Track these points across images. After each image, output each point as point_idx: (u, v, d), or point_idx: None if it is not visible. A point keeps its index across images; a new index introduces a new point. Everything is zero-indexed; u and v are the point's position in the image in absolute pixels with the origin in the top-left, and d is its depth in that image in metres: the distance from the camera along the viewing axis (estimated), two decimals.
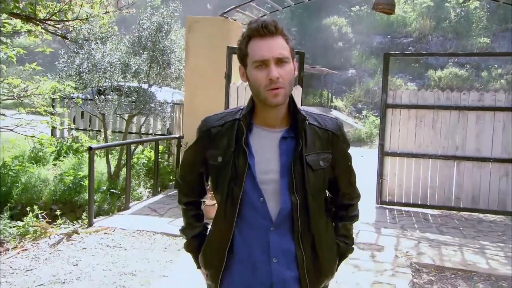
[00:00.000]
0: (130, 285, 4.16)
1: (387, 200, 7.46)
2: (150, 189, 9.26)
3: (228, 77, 7.18)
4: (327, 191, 1.81)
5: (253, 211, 1.64)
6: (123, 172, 9.70)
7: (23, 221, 5.66)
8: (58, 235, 5.20)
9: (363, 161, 13.98)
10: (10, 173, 9.12)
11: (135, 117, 10.84)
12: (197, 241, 1.87)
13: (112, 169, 9.48)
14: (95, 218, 6.15)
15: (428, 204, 7.29)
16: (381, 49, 26.41)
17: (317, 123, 1.69)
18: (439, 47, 25.74)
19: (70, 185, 8.95)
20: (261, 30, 1.55)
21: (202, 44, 7.87)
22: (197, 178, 1.85)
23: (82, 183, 9.01)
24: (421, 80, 23.85)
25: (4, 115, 5.95)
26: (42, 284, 4.08)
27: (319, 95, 23.22)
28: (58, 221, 5.88)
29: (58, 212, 6.11)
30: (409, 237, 5.85)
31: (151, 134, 11.67)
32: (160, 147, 10.64)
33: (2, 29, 5.25)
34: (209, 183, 1.84)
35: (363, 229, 6.15)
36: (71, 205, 8.81)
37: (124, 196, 8.83)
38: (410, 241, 5.67)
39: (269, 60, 1.54)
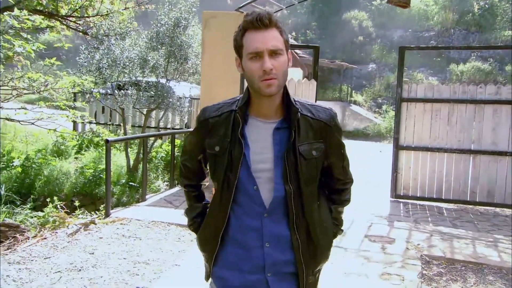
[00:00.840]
0: (143, 273, 4.29)
1: (401, 194, 7.46)
2: (167, 182, 9.41)
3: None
4: (322, 176, 1.86)
5: (247, 198, 1.71)
6: (142, 165, 9.90)
7: (44, 212, 5.86)
8: (76, 225, 5.37)
9: (381, 156, 13.99)
10: (34, 166, 9.37)
11: (154, 112, 11.03)
12: (198, 221, 1.95)
13: (131, 162, 9.68)
14: (112, 209, 6.33)
15: (443, 198, 7.26)
16: (401, 43, 26.14)
17: (310, 114, 1.73)
18: (462, 40, 25.34)
19: (90, 178, 9.17)
20: (255, 22, 1.60)
21: (218, 38, 7.95)
22: (196, 164, 1.94)
23: (101, 176, 9.22)
24: (442, 74, 23.55)
25: (25, 108, 6.13)
26: (59, 271, 4.23)
27: (339, 90, 23.11)
28: (77, 211, 6.05)
29: (77, 203, 6.27)
30: (421, 230, 5.86)
31: (169, 128, 11.84)
32: (178, 141, 10.79)
33: (23, 25, 5.41)
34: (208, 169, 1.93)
35: (375, 222, 6.18)
36: (91, 197, 9.03)
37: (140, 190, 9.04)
38: (422, 234, 5.68)
39: (263, 51, 1.59)
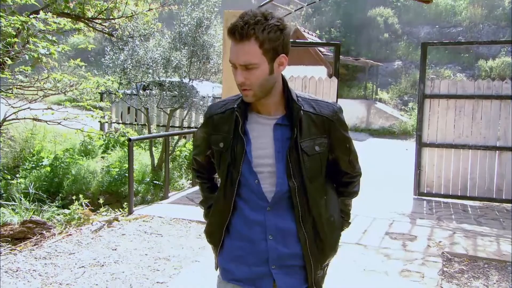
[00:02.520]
0: (164, 268, 4.37)
1: (425, 192, 7.37)
2: (191, 181, 9.52)
3: None
4: (328, 170, 1.87)
5: (250, 192, 1.75)
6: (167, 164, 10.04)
7: (70, 209, 6.03)
8: (100, 222, 5.50)
9: (407, 154, 13.82)
10: (62, 165, 9.61)
11: (178, 111, 11.17)
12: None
13: (156, 161, 9.83)
14: (136, 207, 6.45)
15: (468, 195, 7.15)
16: (429, 39, 25.69)
17: (312, 110, 1.75)
18: (491, 36, 24.75)
19: (116, 176, 9.36)
20: (230, 34, 1.62)
21: None
22: (206, 159, 1.99)
23: (126, 174, 9.38)
24: (471, 71, 23.07)
25: (51, 108, 6.30)
26: (83, 266, 4.35)
27: (364, 88, 22.90)
28: (101, 209, 6.19)
29: (101, 201, 6.42)
30: (444, 228, 5.78)
31: (192, 127, 11.96)
32: None
33: (48, 27, 5.57)
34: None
35: (397, 219, 6.13)
36: (117, 195, 9.22)
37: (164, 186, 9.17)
38: (445, 232, 5.61)
39: (236, 64, 1.63)
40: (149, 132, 10.10)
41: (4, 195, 8.38)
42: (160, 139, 10.50)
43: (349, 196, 1.96)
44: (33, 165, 9.88)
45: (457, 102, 7.12)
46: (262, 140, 1.74)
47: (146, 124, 10.96)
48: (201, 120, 12.02)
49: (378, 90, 23.36)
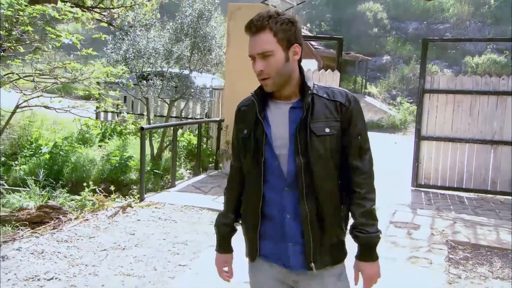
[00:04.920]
0: (183, 252, 4.53)
1: (422, 183, 7.63)
2: (190, 170, 9.64)
3: None
4: (342, 172, 1.89)
5: (272, 174, 1.85)
6: (165, 153, 10.15)
7: (80, 195, 6.13)
8: (114, 208, 5.62)
9: (396, 148, 14.16)
10: (61, 153, 9.64)
11: (176, 102, 11.25)
12: (224, 228, 2.07)
13: (155, 151, 9.92)
14: (138, 195, 6.58)
15: (464, 187, 7.43)
16: (416, 35, 26.11)
17: (326, 95, 1.83)
18: (477, 33, 25.26)
19: (117, 165, 9.42)
20: (247, 28, 1.79)
21: (243, 30, 8.12)
22: (239, 164, 2.03)
23: (127, 163, 9.47)
24: (458, 67, 23.52)
25: (62, 96, 6.37)
26: (105, 249, 4.49)
27: (353, 82, 23.21)
28: (112, 196, 6.30)
29: (112, 188, 6.52)
30: (444, 218, 6.04)
31: (190, 118, 12.06)
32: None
33: (64, 17, 5.62)
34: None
35: (399, 209, 6.37)
36: (118, 183, 9.30)
37: (166, 176, 9.27)
38: (446, 221, 5.87)
39: (254, 55, 1.78)
40: (149, 122, 10.17)
41: (5, 181, 8.42)
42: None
43: (364, 206, 1.87)
44: (32, 152, 9.90)
45: (456, 97, 7.37)
46: (280, 123, 1.84)
47: (145, 114, 11.02)
48: (198, 110, 12.14)
49: (367, 84, 23.67)
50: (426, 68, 7.62)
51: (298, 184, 1.80)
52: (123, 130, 11.48)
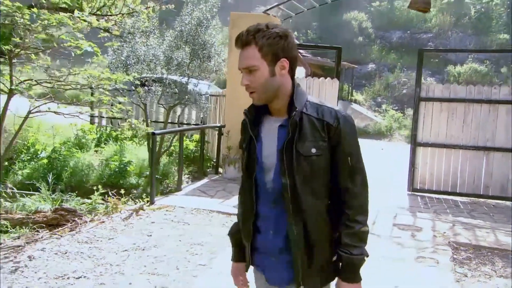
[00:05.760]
0: (201, 253, 4.68)
1: (418, 188, 7.92)
2: (188, 175, 9.77)
3: None
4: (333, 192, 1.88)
5: (262, 189, 1.88)
6: (163, 158, 10.27)
7: (90, 198, 6.24)
8: (127, 210, 5.75)
9: (384, 154, 14.51)
10: (60, 158, 9.69)
11: (173, 108, 11.38)
12: (237, 236, 2.07)
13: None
14: (146, 198, 6.71)
15: (458, 191, 7.73)
16: (400, 44, 26.72)
17: (315, 114, 1.80)
18: (459, 43, 25.95)
19: (116, 170, 9.51)
20: (235, 43, 1.81)
21: None
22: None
23: (127, 168, 9.56)
24: (440, 75, 24.10)
25: (73, 102, 6.46)
26: (126, 250, 4.62)
27: (340, 89, 23.56)
28: (122, 199, 6.42)
29: (122, 192, 6.64)
30: (443, 220, 6.31)
31: (187, 123, 12.20)
32: (196, 136, 11.17)
33: (78, 25, 5.74)
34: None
35: (399, 213, 6.62)
36: (117, 188, 9.39)
37: (165, 180, 9.39)
38: (445, 224, 6.14)
39: (241, 70, 1.81)
40: (147, 127, 10.29)
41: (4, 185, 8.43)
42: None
43: (351, 227, 1.81)
44: (29, 157, 9.92)
45: (450, 105, 7.68)
46: (270, 140, 1.85)
47: (142, 119, 11.11)
48: (193, 116, 12.29)
49: (353, 92, 24.07)
50: (421, 77, 7.91)
51: (284, 203, 1.80)
52: (119, 135, 11.57)
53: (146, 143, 11.04)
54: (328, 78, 8.21)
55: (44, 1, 5.84)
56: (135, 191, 8.49)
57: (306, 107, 1.80)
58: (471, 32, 26.59)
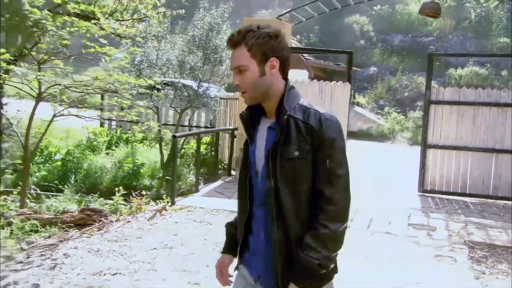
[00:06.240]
0: None
1: (428, 189, 8.09)
2: (201, 177, 9.92)
3: None
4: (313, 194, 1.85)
5: (255, 189, 1.89)
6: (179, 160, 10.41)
7: (112, 199, 6.40)
8: (150, 211, 5.91)
9: (388, 156, 14.72)
10: (74, 160, 9.85)
11: (185, 111, 11.56)
12: (229, 228, 2.12)
13: (165, 158, 10.18)
14: (166, 199, 6.87)
15: (467, 192, 7.91)
16: (401, 47, 26.95)
17: (301, 117, 1.78)
18: (459, 46, 26.19)
19: (130, 172, 9.67)
20: (226, 44, 1.85)
21: None
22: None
23: (140, 170, 9.72)
24: (441, 78, 24.30)
25: (95, 106, 6.64)
26: (155, 248, 4.78)
27: None
28: (144, 199, 6.58)
29: (143, 193, 6.80)
30: (456, 220, 6.48)
31: (196, 126, 12.38)
32: (206, 139, 11.34)
33: (102, 31, 5.91)
34: None
35: (413, 213, 6.79)
36: (131, 189, 9.55)
37: (178, 182, 9.55)
38: (458, 224, 6.31)
39: (233, 70, 1.84)
40: (160, 130, 10.46)
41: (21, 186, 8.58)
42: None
43: (318, 229, 1.74)
44: (43, 159, 10.08)
45: (460, 108, 7.87)
46: (261, 142, 1.86)
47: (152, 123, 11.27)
48: (203, 119, 12.48)
49: (356, 94, 24.26)
50: (431, 81, 8.09)
51: (268, 205, 1.80)
52: (130, 138, 11.73)
53: (156, 145, 11.23)
54: (340, 82, 8.39)
55: (70, 9, 6.00)
56: (149, 193, 8.64)
57: (294, 110, 1.79)
58: (471, 36, 26.84)
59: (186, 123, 12.45)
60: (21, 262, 4.21)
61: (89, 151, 10.60)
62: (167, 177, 9.71)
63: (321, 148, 1.76)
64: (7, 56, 5.63)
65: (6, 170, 8.65)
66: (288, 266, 1.78)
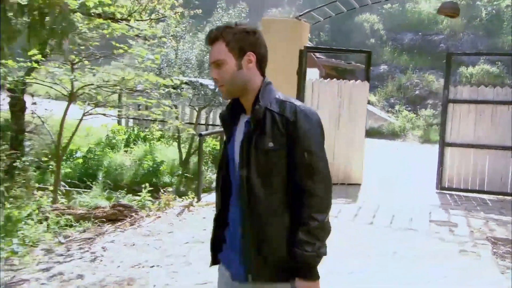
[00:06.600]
0: None
1: (446, 186, 8.19)
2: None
3: (303, 74, 8.02)
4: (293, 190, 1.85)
5: (233, 185, 1.92)
6: (192, 158, 10.60)
7: (139, 195, 6.57)
8: (179, 207, 6.07)
9: (400, 153, 14.82)
10: (95, 158, 10.04)
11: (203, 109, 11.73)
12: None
13: (183, 156, 10.36)
14: (180, 197, 7.02)
15: (485, 190, 8.00)
16: (412, 46, 26.97)
17: (277, 109, 1.82)
18: (470, 44, 26.17)
19: (150, 169, 9.85)
20: (205, 40, 1.91)
21: (276, 43, 8.59)
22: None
23: (160, 167, 9.89)
24: (452, 77, 24.16)
25: (114, 106, 6.80)
26: (187, 242, 4.93)
27: None
28: (170, 196, 6.74)
29: (170, 189, 6.96)
30: (476, 217, 6.58)
31: (211, 125, 12.54)
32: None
33: (130, 32, 6.08)
34: None
35: (433, 210, 6.89)
36: (151, 186, 9.73)
37: (197, 180, 9.72)
38: (479, 220, 6.41)
39: (211, 65, 1.89)
40: (178, 128, 10.63)
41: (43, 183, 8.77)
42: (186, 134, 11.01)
43: (307, 224, 1.77)
44: (65, 157, 10.26)
45: (478, 106, 7.95)
46: (239, 136, 1.88)
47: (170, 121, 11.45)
48: (218, 118, 12.65)
49: None
50: (449, 80, 8.19)
51: (241, 196, 1.82)
52: (147, 136, 11.90)
53: (173, 143, 11.41)
54: (358, 80, 8.50)
55: (102, 11, 6.16)
56: (170, 189, 8.80)
57: (271, 103, 1.82)
58: (482, 34, 26.81)
59: (203, 122, 12.64)
60: (62, 255, 4.38)
61: (109, 149, 10.80)
62: (186, 175, 9.90)
63: (297, 141, 1.78)
64: (38, 57, 5.81)
65: (30, 167, 8.86)
66: (260, 257, 1.80)
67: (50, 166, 9.78)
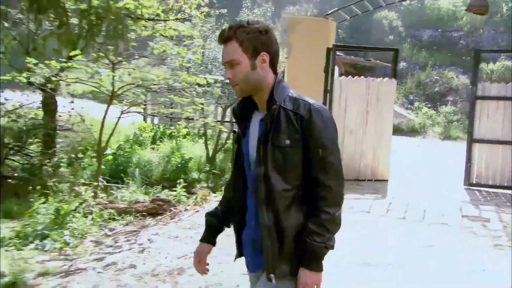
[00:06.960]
0: None
1: (474, 182, 8.24)
2: None
3: (331, 72, 8.13)
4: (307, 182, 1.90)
5: (248, 182, 1.98)
6: (219, 155, 10.77)
7: (175, 190, 6.75)
8: (215, 201, 6.23)
9: (421, 150, 14.85)
10: (124, 154, 10.26)
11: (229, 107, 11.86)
12: (208, 218, 2.26)
13: (210, 152, 10.53)
14: (214, 193, 7.17)
15: None
16: (431, 42, 26.83)
17: (291, 107, 1.86)
18: (491, 41, 25.96)
19: (178, 165, 10.04)
20: (218, 40, 1.95)
21: (303, 42, 8.75)
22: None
23: (188, 164, 10.07)
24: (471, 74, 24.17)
25: (145, 104, 6.99)
26: (228, 235, 5.07)
27: None
28: (205, 191, 6.91)
29: (204, 185, 7.13)
30: (507, 213, 6.64)
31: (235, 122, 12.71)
32: None
33: (166, 34, 6.26)
34: None
35: (463, 206, 6.97)
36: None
37: (223, 176, 9.88)
38: (510, 216, 6.47)
39: (225, 65, 1.92)
40: (205, 126, 10.80)
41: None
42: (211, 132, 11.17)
43: (319, 216, 1.83)
44: (95, 154, 10.50)
45: (506, 103, 7.98)
46: (254, 133, 1.93)
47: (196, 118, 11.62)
48: None
49: None
50: (477, 77, 8.23)
51: (258, 192, 1.86)
52: (174, 133, 12.11)
53: (199, 140, 11.59)
54: (386, 78, 8.59)
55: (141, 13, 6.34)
56: (198, 185, 8.96)
57: (285, 101, 1.86)
58: (503, 30, 26.56)
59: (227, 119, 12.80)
60: (111, 246, 4.57)
61: (137, 146, 11.02)
62: (213, 171, 10.07)
63: (312, 137, 1.83)
64: (79, 57, 6.01)
65: (62, 164, 9.11)
66: (279, 250, 1.84)
67: (82, 163, 10.05)
